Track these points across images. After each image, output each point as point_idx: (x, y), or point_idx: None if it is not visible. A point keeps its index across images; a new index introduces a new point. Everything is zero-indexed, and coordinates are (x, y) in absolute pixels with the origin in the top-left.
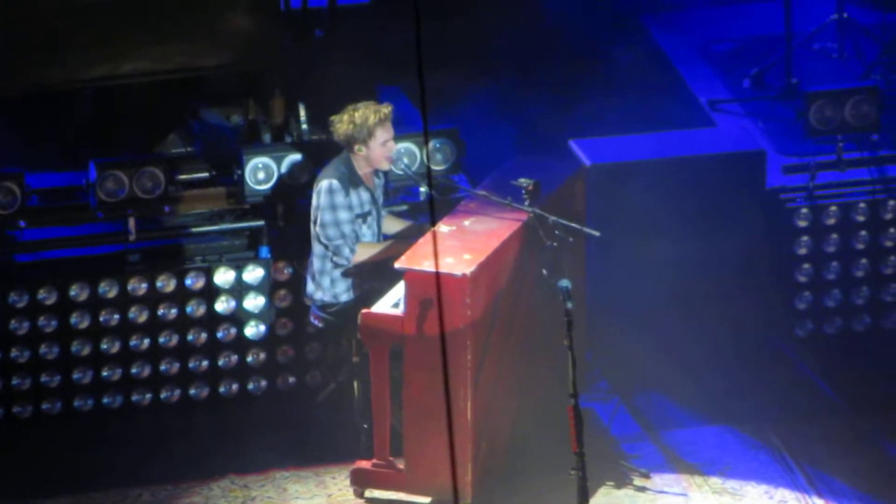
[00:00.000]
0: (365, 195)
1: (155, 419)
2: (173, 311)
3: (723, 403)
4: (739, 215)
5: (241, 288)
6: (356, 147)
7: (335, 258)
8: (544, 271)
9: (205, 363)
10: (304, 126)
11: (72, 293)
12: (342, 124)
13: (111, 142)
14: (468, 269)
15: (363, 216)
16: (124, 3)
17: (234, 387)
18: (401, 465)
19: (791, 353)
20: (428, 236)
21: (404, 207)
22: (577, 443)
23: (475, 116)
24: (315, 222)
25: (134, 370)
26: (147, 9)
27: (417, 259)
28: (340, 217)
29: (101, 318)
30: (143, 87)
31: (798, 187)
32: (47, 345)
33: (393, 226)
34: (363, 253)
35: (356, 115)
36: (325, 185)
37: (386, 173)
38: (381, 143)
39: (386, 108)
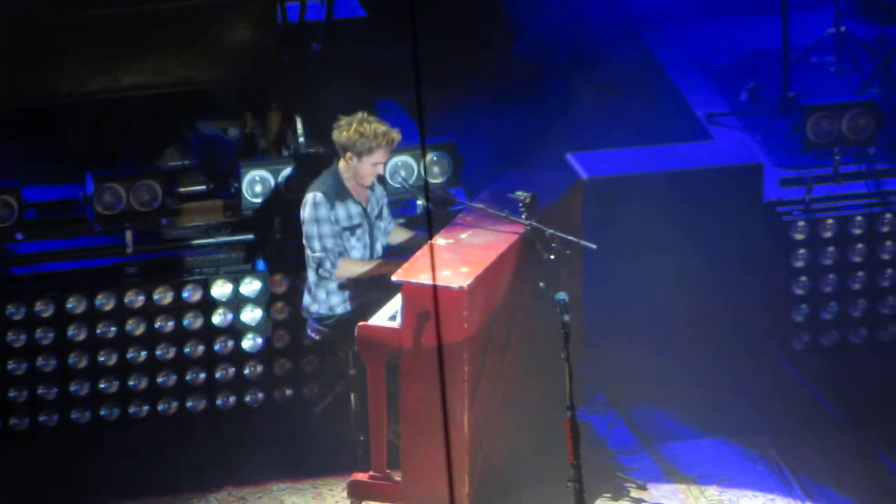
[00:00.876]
0: (354, 208)
1: (152, 431)
2: (170, 324)
3: (720, 416)
4: (736, 228)
5: (238, 300)
6: (348, 155)
7: (319, 271)
8: (541, 284)
9: (202, 376)
10: (301, 139)
11: (69, 305)
12: (348, 131)
13: (109, 155)
14: (465, 282)
15: (351, 229)
16: (123, 18)
17: (232, 399)
18: (398, 478)
19: (788, 365)
20: (425, 249)
21: (401, 221)
22: (574, 455)
23: (472, 129)
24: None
25: (131, 382)
26: (146, 23)
27: (415, 272)
28: (323, 231)
29: (98, 331)
30: (141, 101)
31: (795, 200)
32: (44, 357)
33: (400, 236)
34: (346, 269)
35: (367, 126)
36: (310, 198)
37: (385, 186)
38: (373, 162)
39: (396, 135)
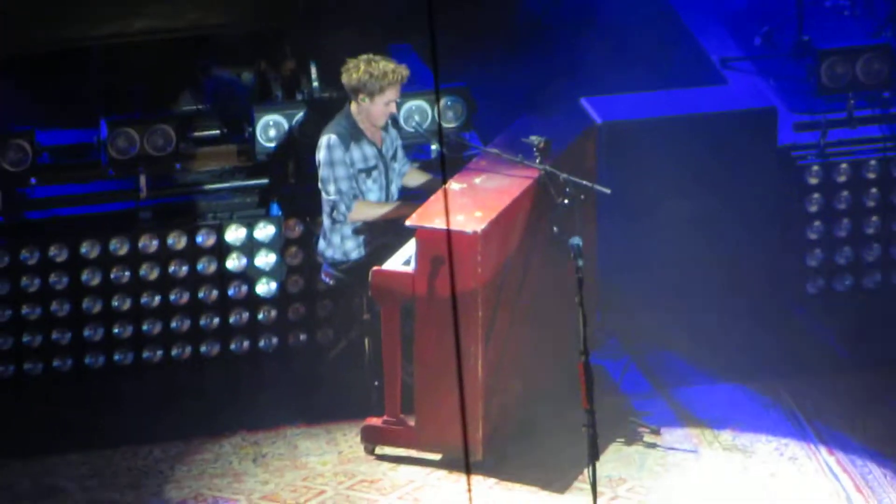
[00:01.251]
0: (369, 150)
1: (166, 376)
2: (184, 269)
3: (734, 361)
4: (751, 173)
5: (252, 245)
6: (361, 97)
7: (334, 214)
8: (555, 229)
9: (216, 320)
10: (315, 84)
11: (83, 250)
12: (357, 72)
13: (122, 100)
14: (479, 227)
15: (367, 171)
16: None
17: (246, 344)
18: (411, 423)
19: (802, 310)
20: (439, 194)
21: (415, 165)
22: (588, 399)
23: (486, 74)
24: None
25: (145, 327)
26: None
27: (428, 216)
28: (338, 173)
29: (112, 276)
30: (154, 45)
31: (809, 145)
32: (58, 302)
33: (416, 179)
34: (361, 211)
35: (375, 66)
36: (323, 141)
37: (399, 130)
38: (385, 101)
39: (405, 71)
